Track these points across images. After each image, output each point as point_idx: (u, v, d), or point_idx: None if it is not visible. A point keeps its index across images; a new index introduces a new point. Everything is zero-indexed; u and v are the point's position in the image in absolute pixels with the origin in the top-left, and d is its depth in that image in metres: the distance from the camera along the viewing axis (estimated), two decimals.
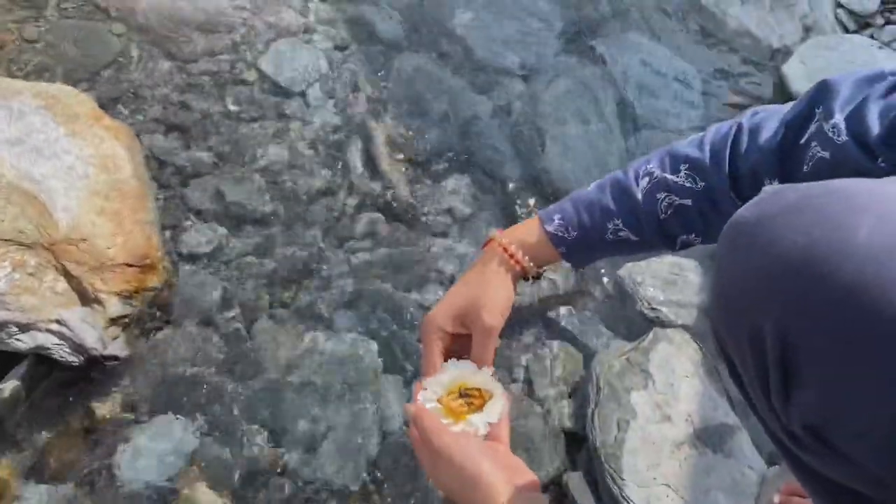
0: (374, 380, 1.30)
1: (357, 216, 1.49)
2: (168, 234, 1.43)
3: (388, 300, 1.38)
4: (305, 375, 1.29)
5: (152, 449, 1.20)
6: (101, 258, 1.24)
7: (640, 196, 0.77)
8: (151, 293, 1.32)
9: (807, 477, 0.64)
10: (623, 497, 1.10)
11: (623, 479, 1.12)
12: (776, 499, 1.05)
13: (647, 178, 0.77)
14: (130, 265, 1.29)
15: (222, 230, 1.44)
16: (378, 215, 1.49)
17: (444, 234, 1.48)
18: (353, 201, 1.51)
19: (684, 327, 1.30)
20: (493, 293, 0.81)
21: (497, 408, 0.77)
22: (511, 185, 1.57)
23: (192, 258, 1.41)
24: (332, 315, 1.36)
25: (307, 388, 1.28)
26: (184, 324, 1.33)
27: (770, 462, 1.14)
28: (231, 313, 1.35)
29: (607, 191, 0.80)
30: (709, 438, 1.15)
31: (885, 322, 0.45)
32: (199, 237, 1.43)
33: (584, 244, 0.80)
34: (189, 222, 1.45)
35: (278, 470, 1.20)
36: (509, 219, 1.51)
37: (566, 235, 0.80)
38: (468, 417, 0.76)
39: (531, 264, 0.81)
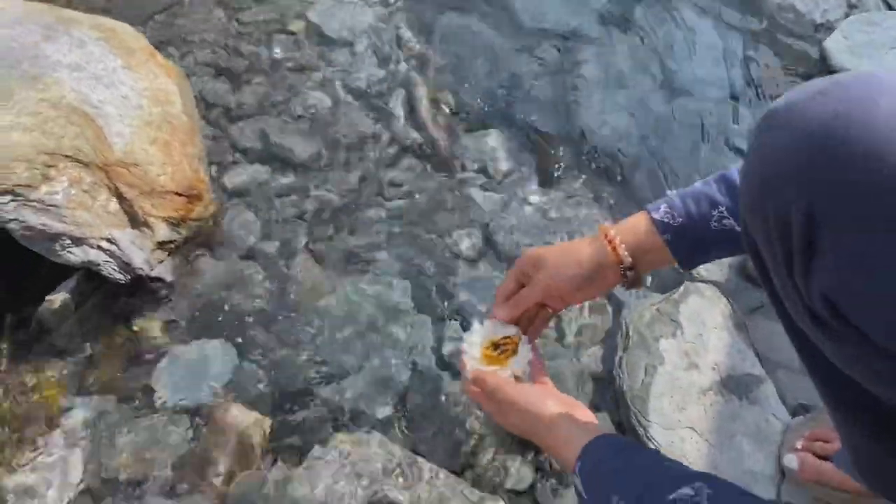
0: (405, 317, 1.33)
1: (396, 164, 1.52)
2: (214, 169, 1.47)
3: (423, 244, 1.41)
4: (340, 310, 1.33)
5: (191, 369, 1.25)
6: (152, 184, 1.29)
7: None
8: (197, 223, 1.36)
9: (822, 371, 0.66)
10: (648, 437, 1.13)
11: (649, 421, 1.14)
12: (799, 444, 1.07)
13: None
14: (179, 194, 1.33)
15: (265, 169, 1.49)
16: (417, 163, 1.53)
17: (482, 187, 1.51)
18: (393, 149, 1.54)
19: (715, 283, 1.32)
20: (567, 262, 0.86)
21: (527, 349, 0.90)
22: (549, 144, 1.59)
23: (236, 194, 1.45)
24: (367, 255, 1.40)
25: (341, 322, 1.31)
26: (226, 254, 1.37)
27: (794, 414, 1.16)
28: (271, 248, 1.39)
29: (712, 183, 0.83)
30: (735, 387, 1.17)
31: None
32: (243, 175, 1.47)
33: (690, 232, 0.82)
34: (234, 160, 1.49)
35: (310, 396, 1.24)
36: (545, 177, 1.53)
37: (671, 222, 0.82)
38: (508, 362, 0.89)
39: (626, 253, 0.83)
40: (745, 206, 0.59)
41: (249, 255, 1.38)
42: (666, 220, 0.82)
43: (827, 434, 1.06)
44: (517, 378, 0.89)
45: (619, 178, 1.53)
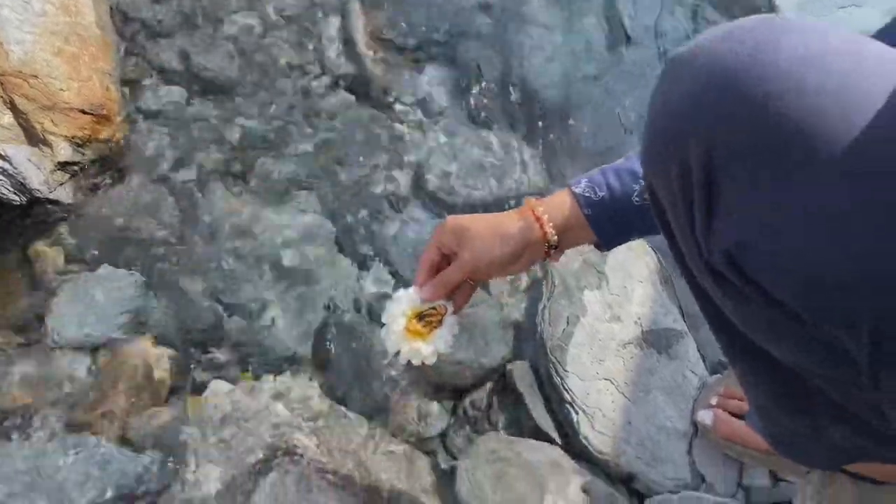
0: (327, 257, 1.27)
1: (327, 94, 1.44)
2: (128, 90, 1.37)
3: (350, 181, 1.35)
4: (258, 246, 1.26)
5: (92, 300, 1.17)
6: (53, 98, 1.19)
7: None
8: (105, 145, 1.27)
9: (725, 331, 0.64)
10: (564, 388, 1.10)
11: (566, 371, 1.11)
12: (713, 400, 1.06)
13: None
14: (85, 112, 1.23)
15: (184, 92, 1.39)
16: (349, 96, 1.45)
17: (416, 125, 1.44)
18: (324, 79, 1.46)
19: (644, 238, 1.29)
20: (493, 240, 0.80)
21: (453, 322, 0.84)
22: (489, 85, 1.53)
23: (151, 116, 1.35)
24: (290, 190, 1.33)
25: (258, 259, 1.25)
26: (137, 180, 1.28)
27: (713, 371, 1.15)
28: (186, 176, 1.31)
29: (633, 157, 0.79)
30: (656, 341, 1.15)
31: (798, 131, 0.44)
32: (160, 96, 1.38)
33: (612, 207, 0.78)
34: (151, 80, 1.39)
35: (220, 333, 1.18)
36: (482, 118, 1.47)
37: (593, 196, 0.79)
38: (433, 334, 0.83)
39: (553, 231, 0.79)
40: (647, 162, 0.56)
41: (162, 181, 1.29)
42: (587, 194, 0.79)
43: (742, 393, 1.05)
44: (440, 354, 0.84)
45: (559, 123, 1.47)
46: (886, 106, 0.43)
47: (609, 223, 0.80)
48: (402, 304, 0.83)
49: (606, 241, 0.82)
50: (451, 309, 0.85)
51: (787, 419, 0.73)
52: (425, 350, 0.82)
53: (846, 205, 0.44)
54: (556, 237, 0.80)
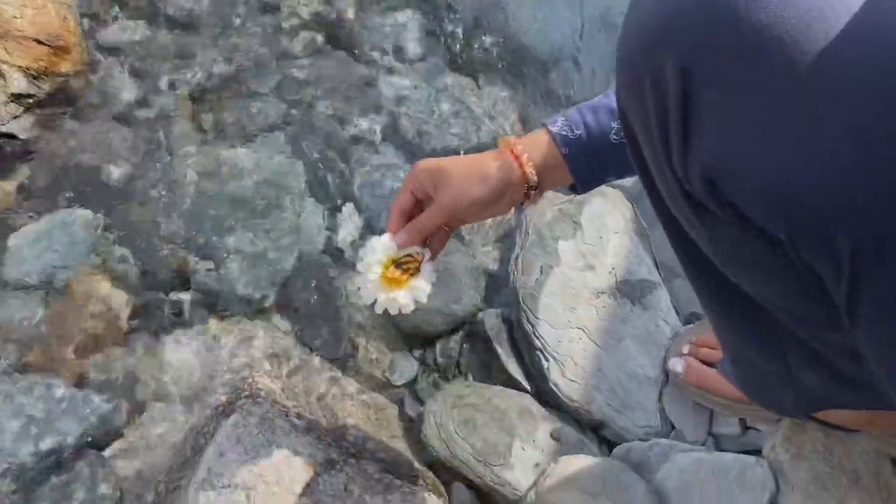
0: (297, 201, 1.23)
1: (297, 34, 1.39)
2: (88, 22, 1.31)
3: (320, 125, 1.31)
4: (224, 188, 1.22)
5: (47, 239, 1.13)
6: (6, 26, 1.13)
7: None
8: (62, 78, 1.21)
9: (698, 269, 0.62)
10: (535, 335, 1.08)
11: (538, 319, 1.10)
12: (685, 349, 1.05)
13: None
14: (40, 42, 1.18)
15: (148, 27, 1.33)
16: (320, 37, 1.40)
17: (389, 70, 1.40)
18: (295, 19, 1.41)
19: (621, 188, 1.27)
20: (472, 182, 0.76)
21: (430, 269, 0.80)
22: (467, 31, 1.48)
23: (114, 52, 1.30)
24: (257, 132, 1.28)
25: (224, 200, 1.21)
26: (96, 117, 1.23)
27: (686, 322, 1.14)
28: (149, 114, 1.26)
29: (611, 94, 0.76)
30: (629, 291, 1.14)
31: (779, 40, 0.42)
32: (123, 31, 1.32)
33: (589, 146, 0.75)
34: (114, 14, 1.33)
35: (185, 274, 1.14)
36: (458, 65, 1.43)
37: (570, 134, 0.75)
38: (410, 283, 0.78)
39: (533, 171, 0.76)
40: (621, 82, 0.53)
41: (124, 119, 1.24)
42: (564, 132, 0.76)
43: (714, 341, 1.04)
44: (417, 302, 0.80)
45: (537, 70, 1.44)
46: (864, 11, 0.41)
47: (586, 163, 0.77)
48: (377, 252, 0.78)
49: (582, 183, 0.80)
50: (427, 256, 0.81)
51: (759, 363, 0.72)
52: (403, 299, 0.78)
53: (827, 118, 0.41)
54: (536, 177, 0.76)
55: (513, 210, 1.28)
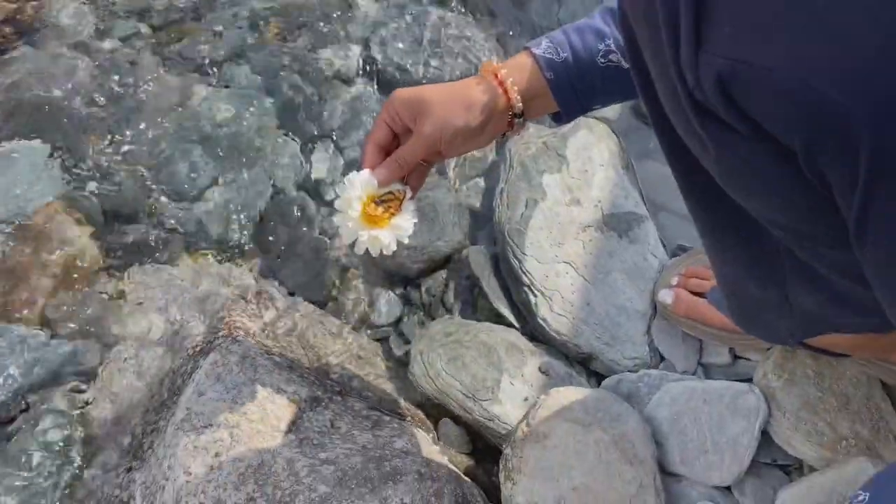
0: (269, 137, 1.18)
1: None
2: None
3: (292, 56, 1.24)
4: (191, 122, 1.15)
5: (7, 175, 1.06)
6: None
7: None
8: (13, 5, 1.13)
9: (698, 191, 0.59)
10: (523, 271, 1.06)
11: (525, 254, 1.07)
12: (674, 280, 1.03)
13: None
14: None
15: None
16: None
17: None
18: None
19: (607, 121, 1.24)
20: (455, 109, 0.70)
21: (412, 207, 0.76)
22: None
23: None
24: (225, 64, 1.22)
25: (191, 136, 1.14)
26: (52, 46, 1.15)
27: (673, 255, 1.12)
28: (110, 45, 1.18)
29: (597, 16, 0.71)
30: (616, 224, 1.11)
31: None
32: None
33: (576, 69, 0.71)
34: None
35: (155, 213, 1.09)
36: None
37: (555, 57, 0.71)
38: (392, 221, 0.74)
39: (518, 98, 0.71)
40: None
41: (83, 49, 1.17)
42: (549, 55, 0.71)
43: (703, 272, 1.02)
44: (399, 241, 0.75)
45: (520, 1, 1.39)
46: None
47: (571, 89, 0.73)
48: (357, 189, 0.73)
49: (567, 110, 0.75)
50: (409, 193, 0.76)
51: (756, 290, 0.70)
52: (385, 238, 0.74)
53: (860, 7, 0.38)
54: (521, 104, 0.72)
55: (494, 143, 1.25)
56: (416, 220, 0.77)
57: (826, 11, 0.38)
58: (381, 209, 0.74)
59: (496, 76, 0.72)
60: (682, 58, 0.45)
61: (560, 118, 0.77)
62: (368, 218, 0.74)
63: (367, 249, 0.75)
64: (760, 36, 0.41)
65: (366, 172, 0.74)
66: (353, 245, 0.75)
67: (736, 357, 1.02)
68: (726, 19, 0.42)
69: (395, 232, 0.75)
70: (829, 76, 0.39)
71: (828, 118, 0.40)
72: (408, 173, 0.76)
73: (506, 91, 0.72)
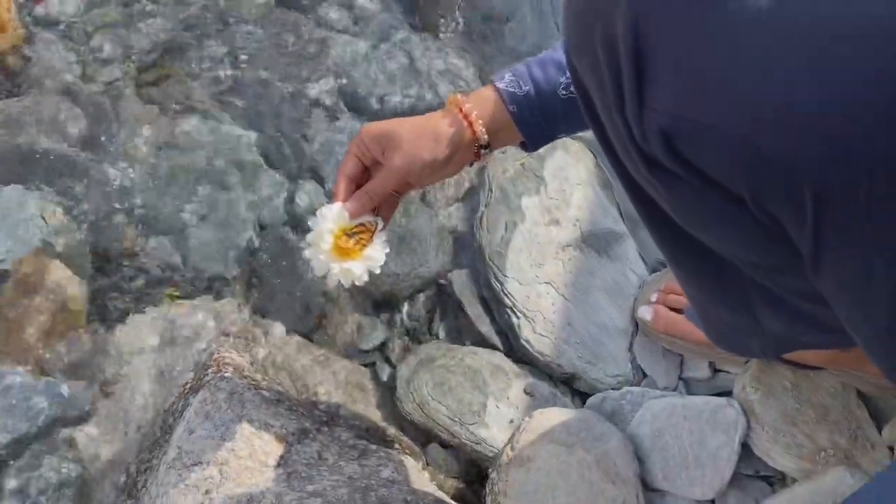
0: (252, 171, 1.20)
1: None
2: None
3: (273, 91, 1.27)
4: (175, 160, 1.18)
5: None
6: None
7: None
8: None
9: (658, 225, 0.61)
10: (504, 293, 1.08)
11: (506, 276, 1.09)
12: (654, 297, 1.05)
13: None
14: None
15: None
16: None
17: (343, 30, 1.36)
18: None
19: (582, 140, 1.26)
20: (423, 143, 0.73)
21: (383, 238, 0.78)
22: None
23: (50, 24, 1.24)
24: (209, 99, 1.24)
25: (177, 174, 1.17)
26: (38, 93, 1.18)
27: (653, 271, 1.14)
28: (93, 88, 1.21)
29: (559, 47, 0.74)
30: (595, 242, 1.13)
31: (740, 8, 0.40)
32: (58, 3, 1.26)
33: (537, 102, 0.73)
34: None
35: (142, 253, 1.11)
36: (416, 20, 1.39)
37: (517, 91, 0.73)
38: (364, 252, 0.76)
39: (483, 130, 0.74)
40: (571, 40, 0.52)
41: (66, 94, 1.19)
42: (512, 89, 0.74)
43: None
44: (371, 272, 0.78)
45: (496, 28, 1.41)
46: None
47: (534, 120, 0.75)
48: (328, 222, 0.75)
49: (532, 141, 0.78)
50: (381, 224, 0.79)
51: (725, 314, 0.72)
52: (357, 270, 0.76)
53: (788, 61, 0.40)
54: (486, 136, 0.75)
55: (474, 167, 1.27)
56: (387, 251, 0.78)
57: (763, 65, 0.40)
58: (352, 241, 0.76)
59: (461, 110, 0.74)
60: (627, 112, 0.47)
61: (526, 147, 0.79)
62: (340, 250, 0.76)
63: (339, 281, 0.77)
64: (701, 93, 0.43)
65: (337, 205, 0.76)
66: (325, 277, 0.77)
67: (716, 370, 1.03)
68: (667, 78, 0.44)
69: (367, 263, 0.77)
70: (769, 129, 0.41)
71: (770, 169, 0.42)
72: (378, 205, 0.79)
73: (471, 124, 0.74)
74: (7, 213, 1.08)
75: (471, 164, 0.80)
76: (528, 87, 0.74)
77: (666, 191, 0.51)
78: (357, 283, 0.77)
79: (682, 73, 0.43)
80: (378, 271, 0.78)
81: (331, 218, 0.75)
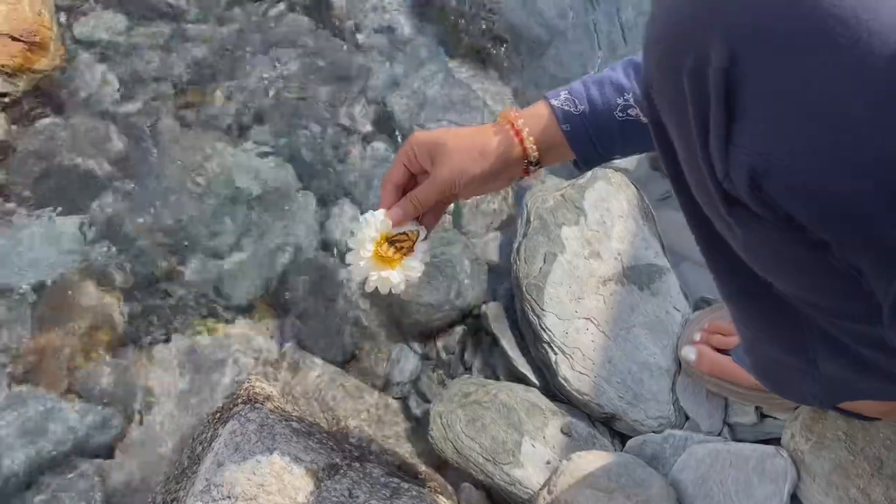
0: (287, 195, 1.19)
1: (281, 19, 1.33)
2: (63, 16, 1.25)
3: (310, 114, 1.26)
4: (212, 184, 1.17)
5: (33, 243, 1.08)
6: None
7: None
8: (39, 75, 1.16)
9: (724, 263, 0.58)
10: (542, 327, 1.05)
11: (544, 310, 1.06)
12: (697, 336, 1.01)
13: None
14: (15, 39, 1.13)
15: (126, 19, 1.28)
16: (306, 21, 1.34)
17: (380, 53, 1.34)
18: (280, 5, 1.35)
19: (624, 171, 1.23)
20: (470, 156, 0.72)
21: (425, 247, 0.78)
22: (460, 10, 1.43)
23: (91, 45, 1.24)
24: (245, 123, 1.23)
25: (212, 197, 1.16)
26: (77, 114, 1.18)
27: (696, 308, 1.10)
28: (132, 109, 1.21)
29: (619, 68, 0.72)
30: (637, 277, 1.10)
31: (844, 22, 0.38)
32: (99, 24, 1.26)
33: (593, 123, 0.71)
34: (88, 5, 1.27)
35: (176, 277, 1.10)
36: (452, 47, 1.38)
37: (573, 110, 0.72)
38: (403, 261, 0.76)
39: (534, 147, 0.72)
40: (651, 68, 0.49)
41: (105, 115, 1.19)
42: (567, 107, 0.72)
43: (727, 327, 1.00)
44: (409, 282, 0.77)
45: (534, 55, 1.39)
46: None
47: (588, 140, 0.73)
48: (370, 229, 0.75)
49: (585, 160, 0.76)
50: (423, 234, 0.78)
51: (781, 356, 0.69)
52: (395, 278, 0.76)
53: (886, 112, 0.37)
54: (536, 153, 0.73)
55: (511, 196, 1.25)
56: (427, 261, 0.78)
57: (872, 113, 0.38)
58: (392, 249, 0.76)
59: (513, 125, 0.73)
60: (711, 149, 0.45)
61: (578, 165, 0.77)
62: (380, 258, 0.76)
63: (376, 288, 0.77)
64: (797, 135, 0.41)
65: (380, 212, 0.76)
66: (364, 283, 0.77)
67: (763, 416, 0.99)
68: (761, 115, 0.42)
69: (406, 272, 0.77)
70: (869, 184, 0.39)
71: (866, 223, 0.40)
72: (421, 213, 0.78)
73: (522, 140, 0.73)
74: (44, 234, 1.07)
75: (519, 179, 0.78)
76: (583, 107, 0.72)
77: (742, 230, 0.49)
78: (395, 291, 0.77)
79: (778, 112, 0.41)
80: (416, 279, 0.78)
81: (373, 224, 0.75)
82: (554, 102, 0.73)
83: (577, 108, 0.72)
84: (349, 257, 0.77)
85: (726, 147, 0.44)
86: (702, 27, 0.42)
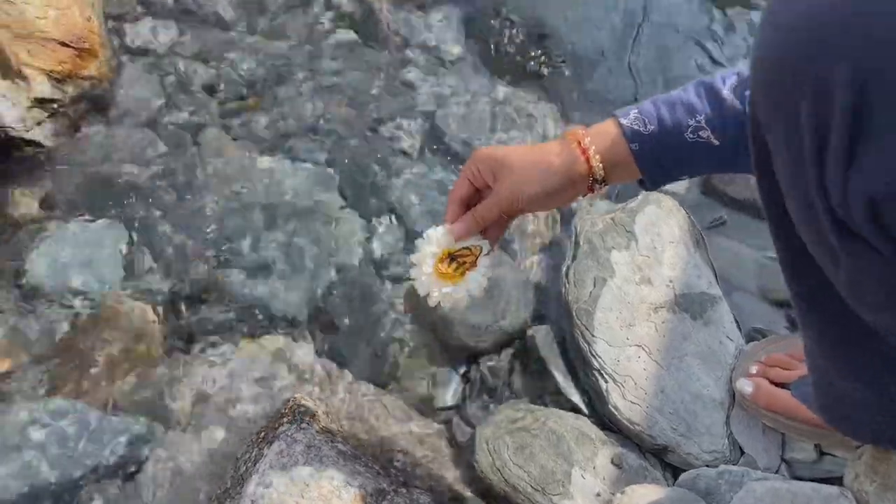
0: (332, 212, 1.17)
1: (330, 35, 1.33)
2: (112, 23, 1.25)
3: (356, 131, 1.24)
4: (255, 196, 1.15)
5: (73, 251, 1.07)
6: (29, 27, 1.07)
7: (725, 93, 0.68)
8: (87, 82, 1.15)
9: (814, 293, 0.56)
10: (592, 354, 1.02)
11: (594, 336, 1.03)
12: (754, 369, 0.98)
13: (735, 77, 0.68)
14: (65, 44, 1.12)
15: (176, 28, 1.27)
16: (354, 37, 1.33)
17: (427, 69, 1.33)
18: (327, 19, 1.34)
19: (675, 195, 1.21)
20: (534, 173, 0.72)
21: (488, 262, 0.78)
22: (507, 31, 1.42)
23: (138, 54, 1.24)
24: (291, 136, 1.22)
25: (256, 210, 1.14)
26: (123, 123, 1.17)
27: (749, 339, 1.07)
28: (178, 119, 1.19)
29: (691, 89, 0.71)
30: (689, 305, 1.07)
31: None
32: (147, 32, 1.26)
33: (662, 143, 0.70)
34: (138, 14, 1.27)
35: (218, 291, 1.08)
36: (499, 66, 1.36)
37: (642, 129, 0.70)
38: (466, 276, 0.76)
39: (600, 165, 0.71)
40: (761, 86, 0.47)
41: (151, 124, 1.18)
42: (636, 126, 0.71)
43: (785, 360, 0.97)
44: (471, 297, 0.76)
45: (580, 75, 1.38)
46: None
47: (655, 160, 0.72)
48: (433, 244, 0.76)
49: (652, 179, 0.74)
50: (486, 249, 0.77)
51: (856, 390, 0.67)
52: (457, 293, 0.76)
53: None
54: (602, 172, 0.72)
55: (560, 219, 1.22)
56: (489, 276, 0.78)
57: None
58: (454, 265, 0.76)
59: (580, 143, 0.72)
60: (826, 173, 0.43)
61: (644, 185, 0.76)
62: (442, 274, 0.76)
63: (439, 304, 0.77)
64: None
65: (443, 228, 0.76)
66: (427, 298, 0.77)
67: (822, 453, 0.96)
68: (887, 149, 0.39)
69: (467, 286, 0.76)
70: None
71: None
72: (484, 228, 0.77)
73: (588, 159, 0.71)
74: (88, 245, 1.06)
75: (584, 196, 0.77)
76: (653, 127, 0.71)
77: (849, 258, 0.47)
78: (458, 306, 0.77)
79: None
80: (479, 294, 0.77)
81: (436, 240, 0.76)
82: (623, 121, 0.71)
83: (646, 127, 0.71)
84: (412, 272, 0.78)
85: (846, 173, 0.42)
86: (828, 49, 0.41)
